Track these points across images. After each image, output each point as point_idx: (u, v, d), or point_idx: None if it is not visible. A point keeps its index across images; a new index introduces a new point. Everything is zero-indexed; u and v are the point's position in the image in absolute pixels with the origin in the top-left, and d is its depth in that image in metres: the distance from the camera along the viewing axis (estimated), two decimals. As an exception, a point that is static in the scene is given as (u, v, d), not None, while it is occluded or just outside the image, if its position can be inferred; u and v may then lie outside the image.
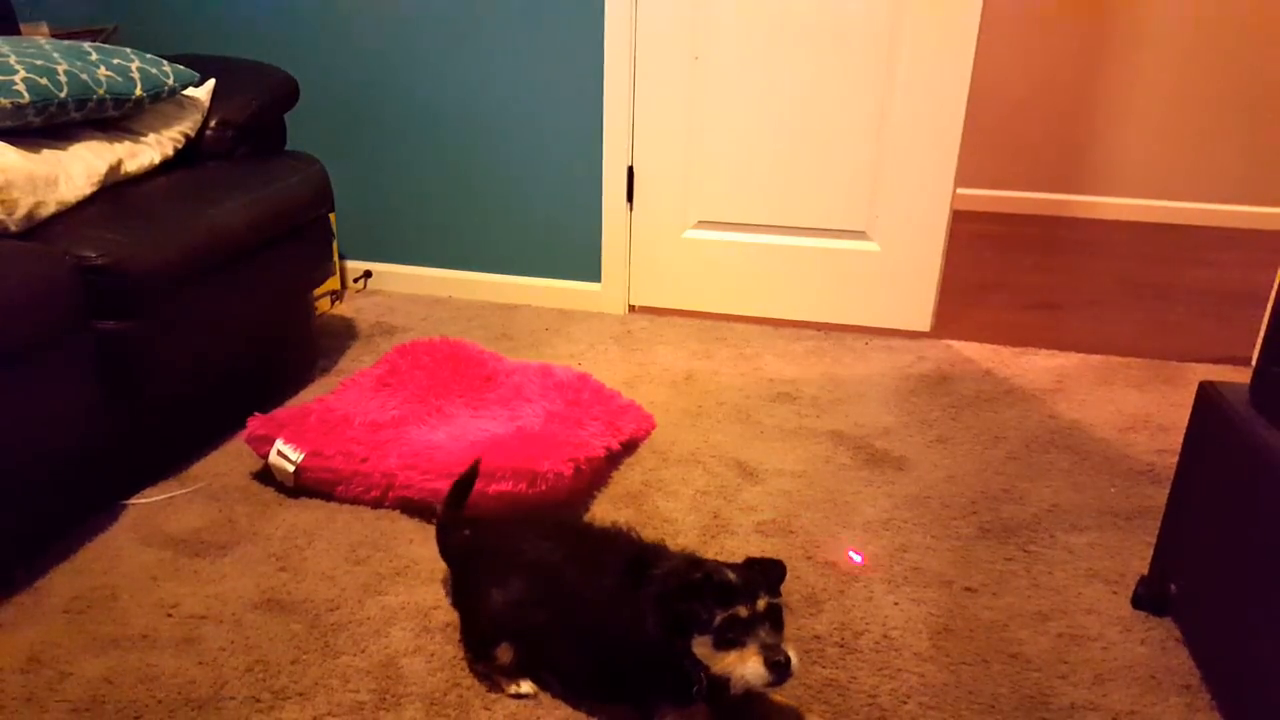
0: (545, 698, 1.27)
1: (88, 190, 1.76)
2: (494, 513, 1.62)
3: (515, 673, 1.28)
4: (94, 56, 1.84)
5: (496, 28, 2.60)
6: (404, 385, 1.99)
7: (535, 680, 1.29)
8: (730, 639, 1.08)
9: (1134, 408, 2.14)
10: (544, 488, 1.61)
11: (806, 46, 2.41)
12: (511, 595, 1.28)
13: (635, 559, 1.23)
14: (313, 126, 2.76)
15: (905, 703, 1.27)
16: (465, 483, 1.47)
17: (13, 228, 1.60)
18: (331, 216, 2.31)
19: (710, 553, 1.59)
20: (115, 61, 1.86)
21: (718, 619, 1.08)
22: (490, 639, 1.28)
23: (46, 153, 1.71)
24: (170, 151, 2.00)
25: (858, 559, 1.36)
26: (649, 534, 1.64)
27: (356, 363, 2.37)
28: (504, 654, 1.27)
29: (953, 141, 2.39)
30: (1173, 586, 1.41)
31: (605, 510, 1.72)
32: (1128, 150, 3.73)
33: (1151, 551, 1.47)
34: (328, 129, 2.80)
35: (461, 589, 1.41)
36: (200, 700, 1.26)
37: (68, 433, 1.60)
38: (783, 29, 2.41)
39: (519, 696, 1.27)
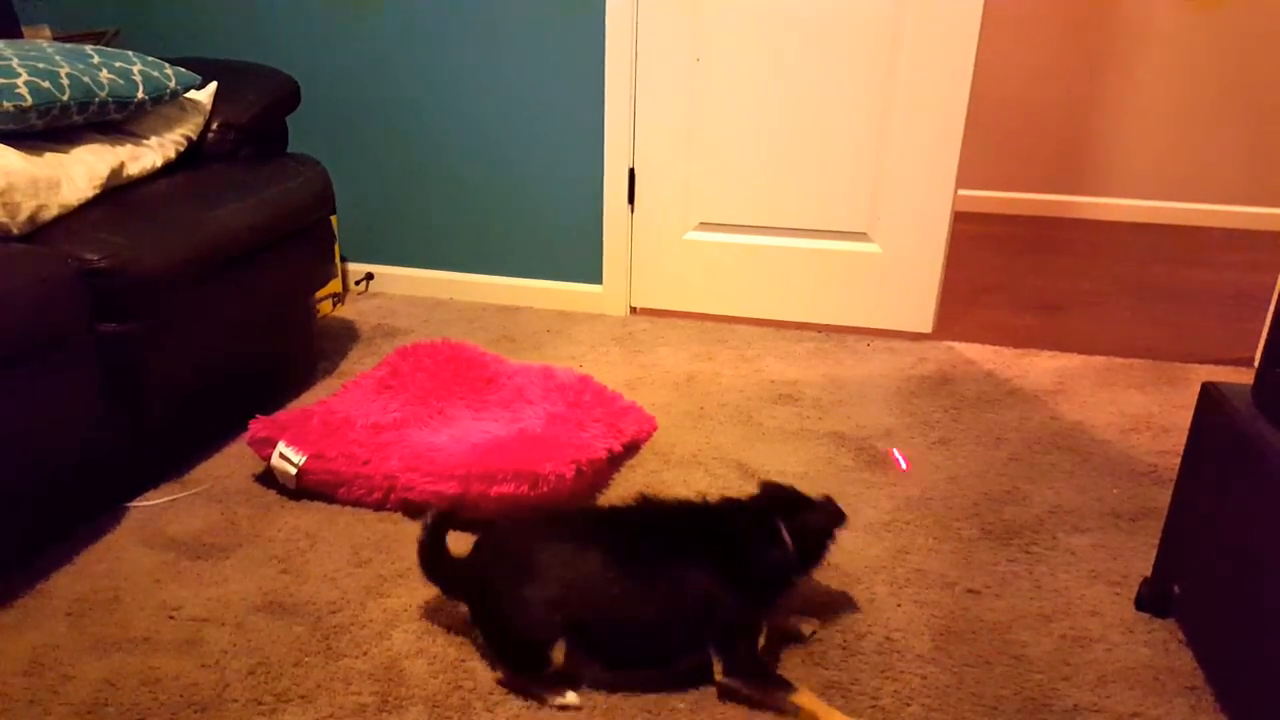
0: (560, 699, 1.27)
1: (90, 193, 1.76)
2: (496, 513, 1.63)
3: (560, 681, 1.26)
4: (96, 59, 1.84)
5: (498, 30, 2.60)
6: (406, 387, 1.99)
7: (574, 682, 1.27)
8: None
9: (1136, 409, 2.13)
10: (545, 490, 1.61)
11: (808, 48, 2.41)
12: (552, 589, 1.25)
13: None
14: (314, 129, 2.77)
15: (908, 705, 1.27)
16: (442, 524, 1.37)
17: (15, 230, 1.60)
18: (333, 219, 2.31)
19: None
20: (117, 64, 1.87)
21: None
22: (542, 642, 1.24)
23: (49, 156, 1.71)
24: (172, 154, 2.01)
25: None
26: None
27: (358, 365, 2.37)
28: (559, 654, 1.24)
29: (954, 143, 2.39)
30: (1176, 588, 1.41)
31: (607, 512, 1.72)
32: (1129, 151, 3.73)
33: (1154, 553, 1.47)
34: (329, 131, 2.81)
35: (483, 605, 1.32)
36: (202, 703, 1.26)
37: (70, 435, 1.60)
38: (784, 30, 2.41)
39: (565, 708, 1.25)
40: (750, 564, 1.29)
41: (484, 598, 1.32)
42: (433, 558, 1.36)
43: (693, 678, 1.29)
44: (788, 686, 1.25)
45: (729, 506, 1.38)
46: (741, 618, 1.28)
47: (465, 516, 1.65)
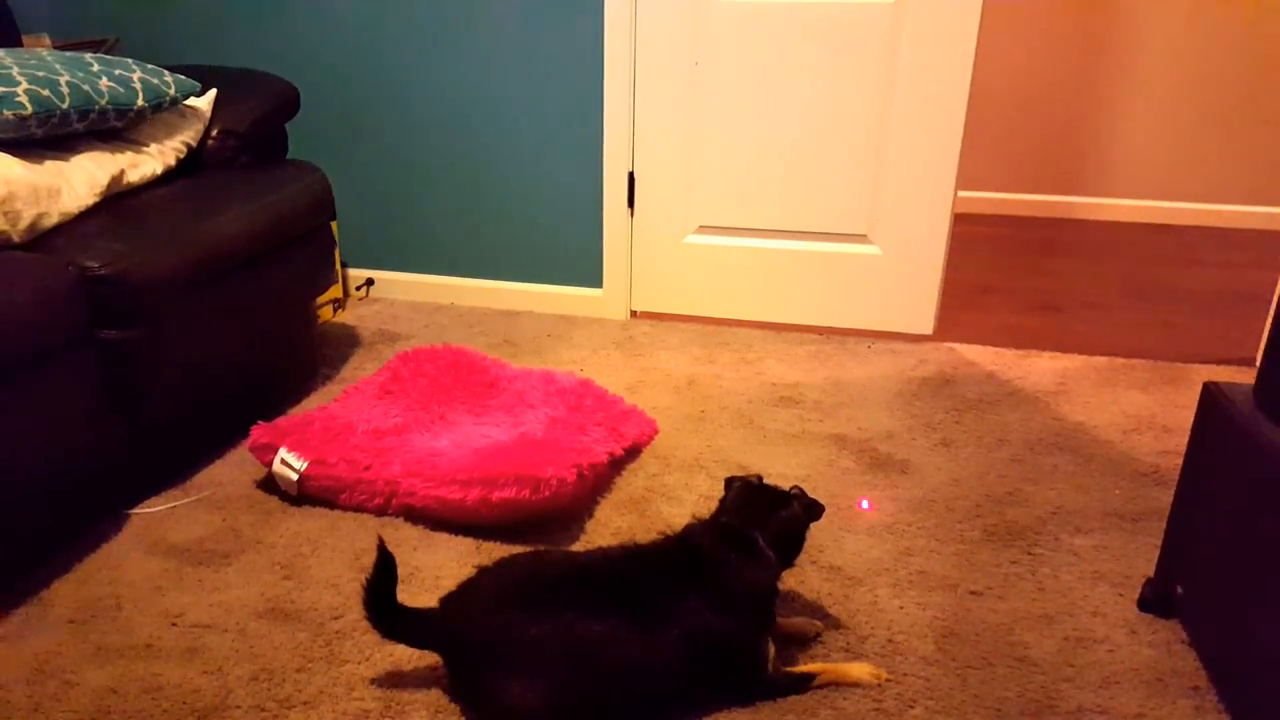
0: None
1: (90, 201, 1.76)
2: (497, 521, 1.63)
3: None
4: (96, 67, 1.84)
5: (497, 35, 2.60)
6: (407, 393, 1.99)
7: None
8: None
9: (1138, 409, 2.13)
10: (547, 494, 1.61)
11: (806, 50, 2.41)
12: (540, 684, 1.16)
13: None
14: (314, 135, 2.78)
15: (911, 707, 1.26)
16: (384, 573, 1.22)
17: (16, 238, 1.60)
18: (333, 224, 2.32)
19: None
20: (117, 72, 1.87)
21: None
22: None
23: (49, 164, 1.72)
24: (172, 161, 2.01)
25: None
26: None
27: (359, 370, 2.37)
28: None
29: (953, 144, 2.40)
30: (1179, 588, 1.41)
31: (609, 515, 1.72)
32: (1129, 151, 3.73)
33: (1157, 553, 1.47)
34: (329, 137, 2.81)
35: (463, 686, 1.26)
36: (205, 710, 1.26)
37: (71, 442, 1.60)
38: (783, 33, 2.41)
39: None
40: (737, 591, 1.25)
41: (462, 677, 1.25)
42: (383, 611, 1.22)
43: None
44: (809, 679, 1.30)
45: (701, 533, 1.33)
46: (744, 648, 1.26)
47: (466, 523, 1.66)
